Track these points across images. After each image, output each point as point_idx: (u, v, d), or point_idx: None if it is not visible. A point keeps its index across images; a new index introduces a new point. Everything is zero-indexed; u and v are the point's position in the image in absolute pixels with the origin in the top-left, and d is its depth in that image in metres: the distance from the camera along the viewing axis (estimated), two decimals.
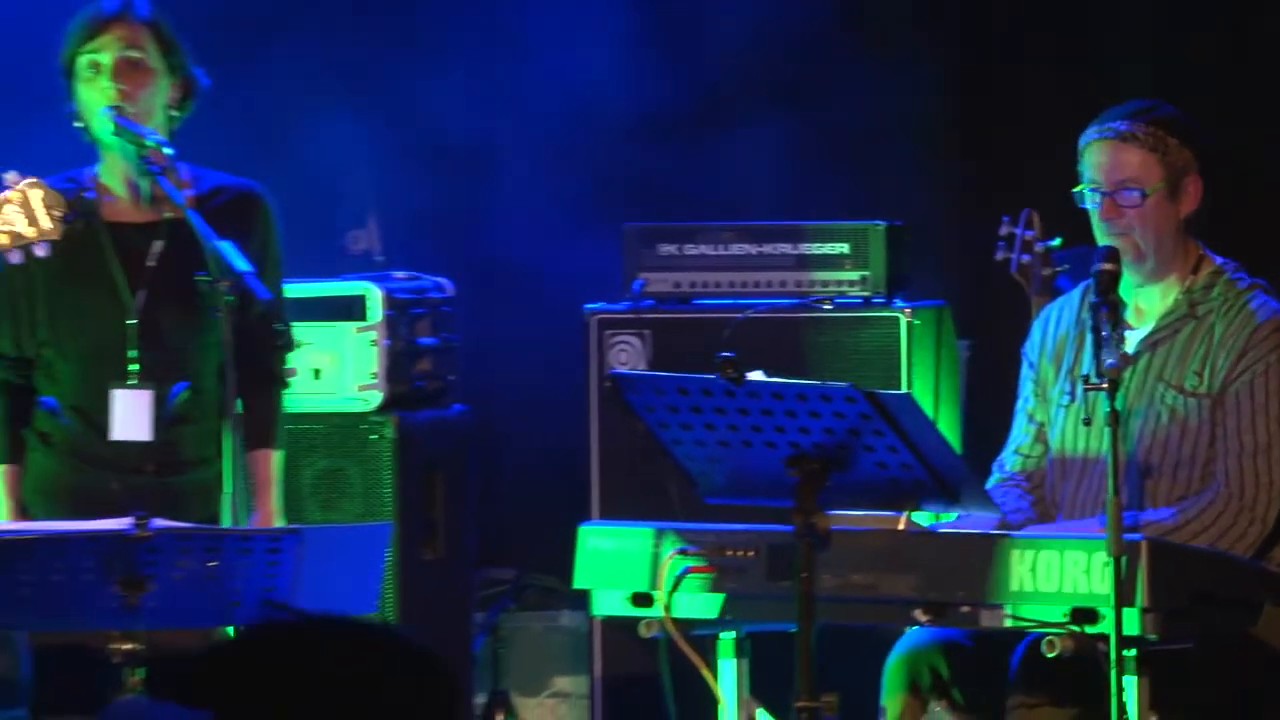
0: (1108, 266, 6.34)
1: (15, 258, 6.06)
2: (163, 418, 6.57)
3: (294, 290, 7.21)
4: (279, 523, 6.69)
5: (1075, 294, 6.83)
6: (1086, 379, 6.17)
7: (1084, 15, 9.04)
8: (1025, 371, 6.90)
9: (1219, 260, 6.72)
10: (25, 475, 6.65)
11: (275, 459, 6.73)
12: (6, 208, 6.02)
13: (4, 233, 6.01)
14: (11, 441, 6.64)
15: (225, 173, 6.69)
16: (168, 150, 6.39)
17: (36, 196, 6.03)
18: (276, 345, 6.71)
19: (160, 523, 5.82)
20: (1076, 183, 6.63)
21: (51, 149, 6.50)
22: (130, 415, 6.53)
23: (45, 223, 6.02)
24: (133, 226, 6.63)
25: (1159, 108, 6.71)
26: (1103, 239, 6.55)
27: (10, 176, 6.07)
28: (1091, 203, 6.58)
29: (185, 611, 5.89)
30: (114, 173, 6.62)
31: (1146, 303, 6.66)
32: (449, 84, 9.02)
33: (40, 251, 6.04)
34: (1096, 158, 6.61)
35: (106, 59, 6.49)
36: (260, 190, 6.74)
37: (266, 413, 6.70)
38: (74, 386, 6.60)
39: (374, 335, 7.54)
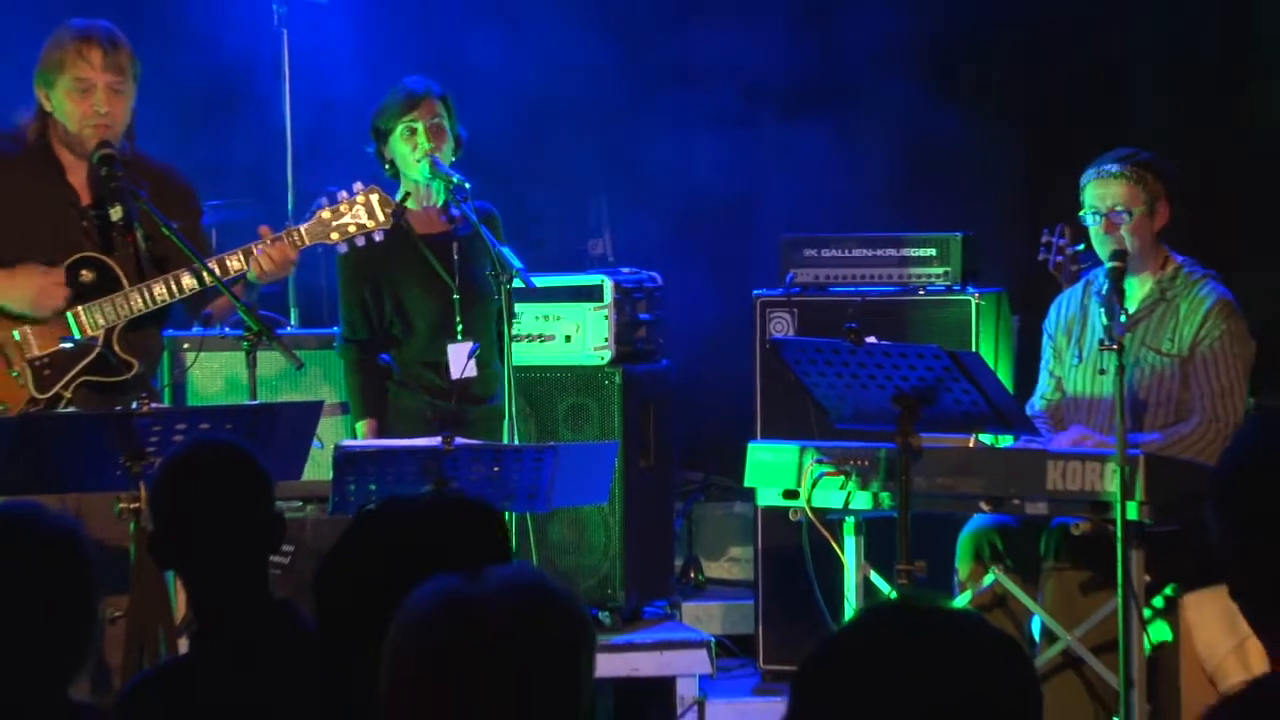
0: (1119, 264, 6.33)
1: (359, 242, 6.13)
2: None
3: (552, 280, 7.24)
4: None
5: (1078, 286, 6.73)
6: (1103, 342, 6.13)
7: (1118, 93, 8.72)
8: (1045, 341, 6.81)
9: (1179, 259, 6.64)
10: (388, 409, 6.60)
11: None
12: (356, 207, 6.13)
13: (355, 225, 6.11)
14: (376, 399, 6.63)
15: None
16: (466, 185, 6.41)
17: (374, 198, 6.14)
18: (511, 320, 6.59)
19: (461, 441, 5.82)
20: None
21: None
22: (461, 360, 6.52)
23: (380, 216, 6.12)
24: (434, 235, 6.56)
25: (1139, 153, 6.59)
26: (1102, 249, 6.50)
27: (357, 185, 6.16)
28: (1093, 223, 6.50)
29: None
30: (414, 198, 6.55)
31: (1134, 289, 6.55)
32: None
33: (377, 236, 6.14)
34: (1095, 190, 6.51)
35: (421, 126, 6.46)
36: (495, 209, 6.68)
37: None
38: (423, 345, 6.57)
39: (606, 312, 7.40)
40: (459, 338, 6.55)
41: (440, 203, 6.62)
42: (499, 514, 3.45)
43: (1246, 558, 2.90)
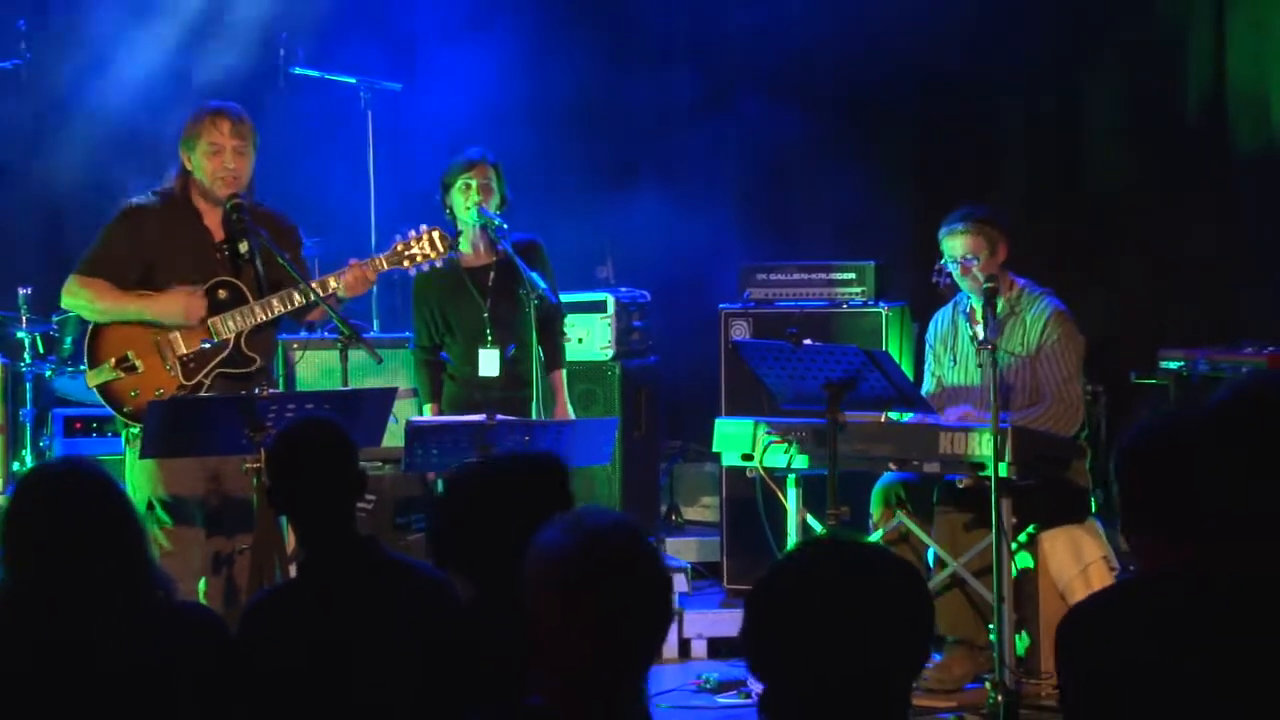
0: (992, 286, 6.23)
1: (425, 267, 6.05)
2: (504, 363, 6.52)
3: (571, 296, 7.18)
4: (570, 412, 6.61)
5: (949, 307, 6.66)
6: (981, 345, 6.09)
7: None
8: (927, 350, 6.73)
9: (1021, 281, 6.53)
10: (442, 398, 6.57)
11: (563, 375, 6.64)
12: (425, 241, 6.03)
13: (422, 254, 6.01)
14: (437, 388, 6.59)
15: (519, 231, 6.50)
16: (505, 225, 6.41)
17: (437, 234, 6.05)
18: (561, 322, 6.64)
19: (500, 417, 5.82)
20: None
21: None
22: (489, 363, 6.50)
23: (440, 249, 6.03)
24: (477, 267, 6.54)
25: (977, 209, 6.46)
26: (963, 285, 6.41)
27: (423, 227, 6.05)
28: (953, 268, 6.40)
29: None
30: (465, 237, 6.55)
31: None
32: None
33: (439, 263, 6.06)
34: (949, 244, 6.42)
35: (474, 184, 6.45)
36: (539, 239, 6.59)
37: (558, 353, 6.62)
38: (462, 350, 6.54)
39: (609, 321, 7.45)
40: (488, 345, 6.51)
41: (486, 242, 6.58)
42: (565, 466, 3.53)
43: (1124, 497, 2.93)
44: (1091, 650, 2.83)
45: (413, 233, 6.08)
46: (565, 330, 6.80)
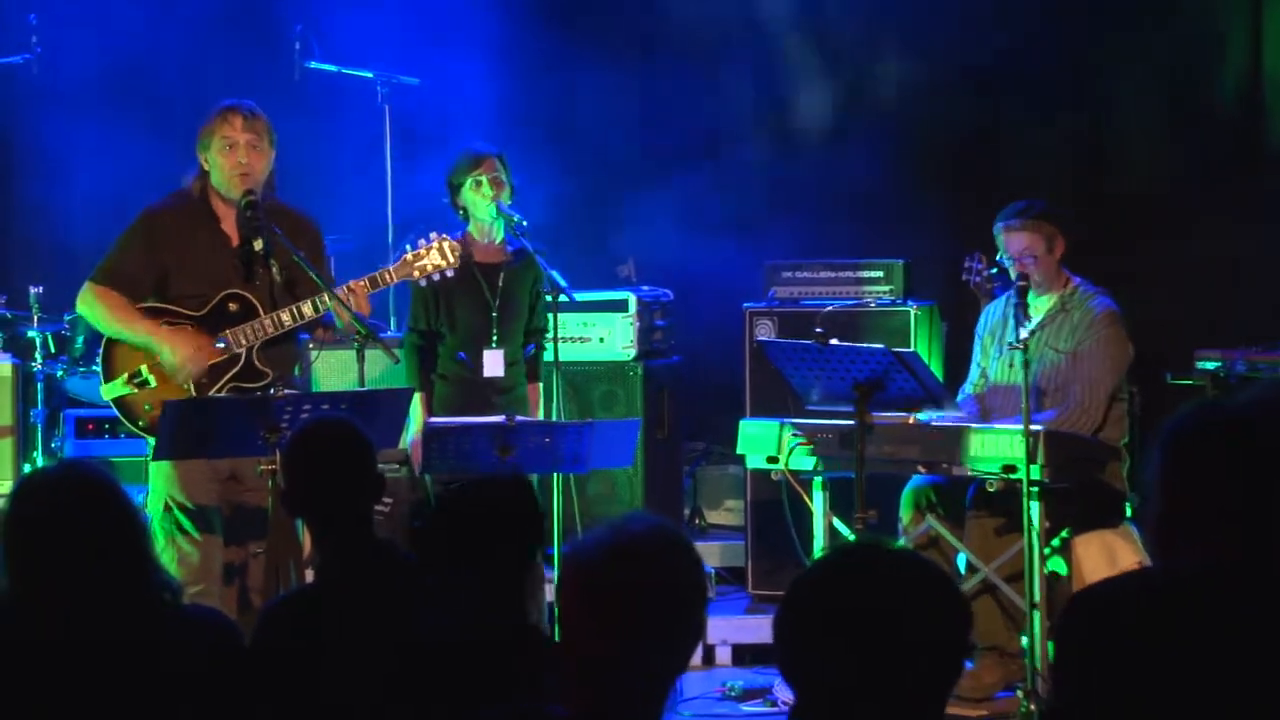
0: (1024, 284, 6.20)
1: (435, 277, 6.07)
2: (506, 365, 6.40)
3: (590, 296, 7.16)
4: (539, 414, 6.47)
5: (1001, 300, 6.64)
6: (1012, 344, 6.06)
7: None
8: (976, 341, 6.70)
9: (1077, 280, 6.53)
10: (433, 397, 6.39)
11: (540, 389, 6.54)
12: (434, 251, 6.04)
13: (431, 265, 6.02)
14: (426, 377, 6.40)
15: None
16: (524, 222, 6.34)
17: (446, 244, 6.06)
18: (544, 335, 6.42)
19: (520, 419, 5.82)
20: None
21: None
22: (494, 363, 6.41)
23: (451, 258, 6.05)
24: (489, 264, 6.44)
25: (1034, 205, 6.46)
26: (1016, 278, 6.34)
27: (433, 235, 6.06)
28: (1009, 265, 6.42)
29: (530, 465, 5.77)
30: (477, 233, 6.44)
31: (1041, 304, 6.47)
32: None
33: (449, 273, 6.08)
34: (1003, 240, 6.42)
35: (485, 179, 6.36)
36: (543, 247, 6.39)
37: (539, 365, 6.52)
38: (458, 348, 6.37)
39: (631, 320, 7.43)
40: (493, 345, 6.42)
41: (500, 239, 6.49)
42: (528, 482, 3.62)
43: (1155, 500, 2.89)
44: (1093, 634, 2.80)
45: (422, 241, 6.08)
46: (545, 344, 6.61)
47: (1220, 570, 2.78)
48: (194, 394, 5.82)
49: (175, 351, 5.83)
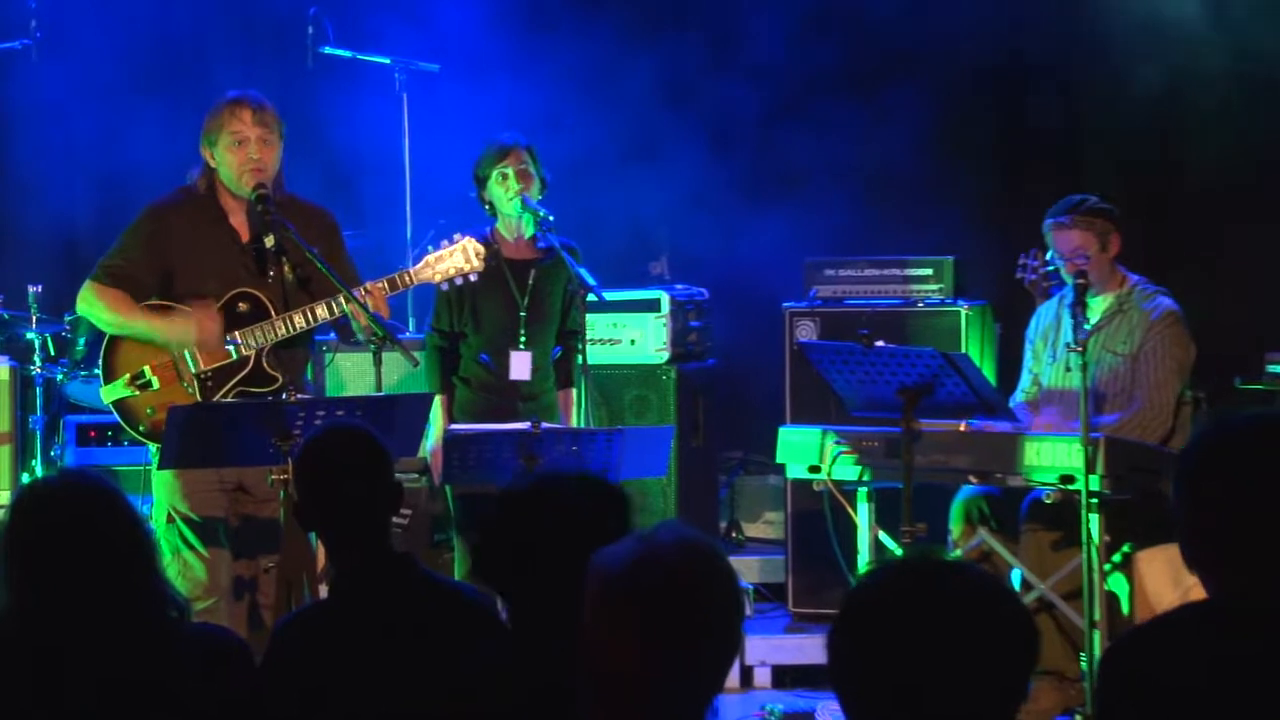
0: (1082, 282, 6.18)
1: (458, 281, 6.05)
2: (534, 369, 6.39)
3: (622, 294, 7.22)
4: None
5: (1054, 300, 6.62)
6: (1069, 346, 6.03)
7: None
8: (1027, 345, 6.69)
9: (1134, 279, 6.52)
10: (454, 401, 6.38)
11: (574, 394, 6.52)
12: (457, 253, 6.03)
13: (454, 268, 6.00)
14: (447, 380, 6.39)
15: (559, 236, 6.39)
16: (551, 218, 6.32)
17: (470, 245, 6.04)
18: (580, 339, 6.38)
19: (545, 425, 5.80)
20: None
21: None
22: (520, 366, 6.39)
23: (475, 261, 6.03)
24: (518, 260, 6.41)
25: (1086, 200, 6.45)
26: (1068, 279, 6.35)
27: (456, 235, 6.05)
28: (1061, 264, 6.40)
29: None
30: (505, 229, 6.43)
31: (1097, 304, 6.44)
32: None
33: (472, 277, 6.07)
34: (1054, 238, 6.41)
35: (511, 171, 6.34)
36: (574, 243, 6.45)
37: (573, 370, 6.50)
38: (481, 349, 6.36)
39: (664, 321, 7.41)
40: (521, 347, 6.40)
41: (530, 234, 6.45)
42: (626, 494, 3.41)
43: (1190, 525, 2.82)
44: (1138, 676, 2.74)
45: (445, 242, 6.04)
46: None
47: (1251, 605, 2.70)
48: (199, 400, 5.78)
49: (178, 326, 5.77)
